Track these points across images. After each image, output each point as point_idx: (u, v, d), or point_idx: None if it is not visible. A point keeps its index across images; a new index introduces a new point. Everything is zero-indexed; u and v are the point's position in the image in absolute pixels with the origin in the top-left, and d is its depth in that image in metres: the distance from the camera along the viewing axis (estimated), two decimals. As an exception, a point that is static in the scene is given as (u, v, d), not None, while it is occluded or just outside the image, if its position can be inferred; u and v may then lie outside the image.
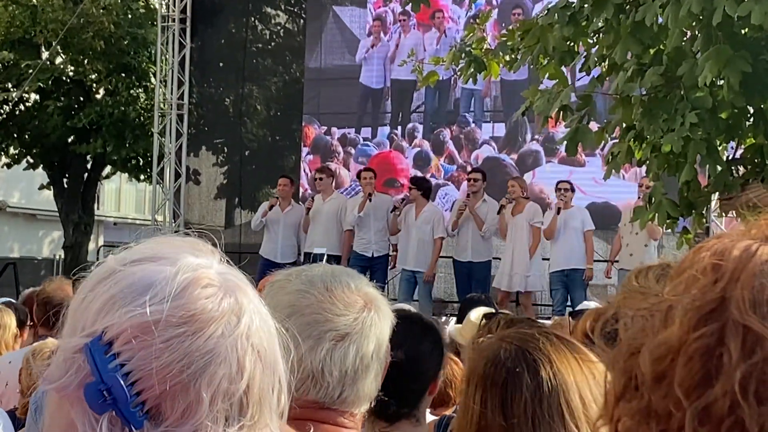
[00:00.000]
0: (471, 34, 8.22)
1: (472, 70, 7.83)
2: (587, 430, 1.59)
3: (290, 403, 1.24)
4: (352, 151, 15.32)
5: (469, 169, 13.56)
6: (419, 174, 14.04)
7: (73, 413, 1.11)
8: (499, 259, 12.00)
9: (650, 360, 0.89)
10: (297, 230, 12.79)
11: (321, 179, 12.65)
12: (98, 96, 20.00)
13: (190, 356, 1.11)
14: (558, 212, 11.46)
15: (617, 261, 11.68)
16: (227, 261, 1.25)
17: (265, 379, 1.18)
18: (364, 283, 1.89)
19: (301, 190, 14.91)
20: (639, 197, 11.12)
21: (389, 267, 12.44)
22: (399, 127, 15.13)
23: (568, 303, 11.22)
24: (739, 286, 0.87)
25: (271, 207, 12.65)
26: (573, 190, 11.60)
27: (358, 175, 12.63)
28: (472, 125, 14.73)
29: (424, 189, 12.20)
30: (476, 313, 5.02)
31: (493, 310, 5.50)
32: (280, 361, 1.22)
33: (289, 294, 1.82)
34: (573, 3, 6.96)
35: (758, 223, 0.93)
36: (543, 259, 11.89)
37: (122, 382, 1.09)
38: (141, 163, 20.78)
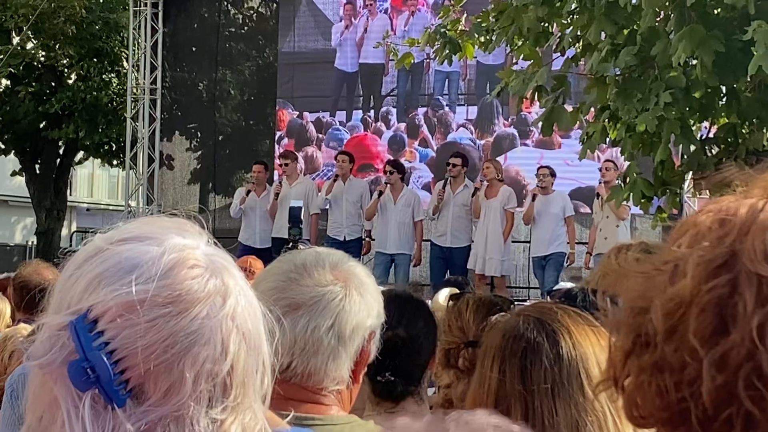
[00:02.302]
0: (446, 16, 8.21)
1: (447, 51, 7.83)
2: (605, 398, 1.61)
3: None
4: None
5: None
6: (393, 158, 13.97)
7: (56, 390, 1.11)
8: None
9: (662, 314, 0.91)
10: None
11: (286, 164, 12.71)
12: (70, 81, 19.83)
13: (175, 336, 1.12)
14: (533, 199, 11.47)
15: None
16: (214, 242, 1.24)
17: (250, 361, 1.18)
18: (346, 265, 1.92)
19: (276, 174, 14.86)
20: (600, 182, 11.27)
21: (362, 252, 12.35)
22: (372, 111, 15.11)
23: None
24: (750, 239, 0.89)
25: (248, 193, 12.66)
26: (554, 175, 11.57)
27: (336, 158, 12.63)
28: (446, 108, 14.71)
29: (403, 173, 12.24)
30: (443, 295, 4.73)
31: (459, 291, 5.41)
32: (264, 343, 1.22)
33: (270, 267, 1.89)
34: (547, -17, 6.97)
35: (760, 183, 0.96)
36: (514, 241, 11.93)
37: (106, 360, 1.09)
38: (114, 149, 20.60)
